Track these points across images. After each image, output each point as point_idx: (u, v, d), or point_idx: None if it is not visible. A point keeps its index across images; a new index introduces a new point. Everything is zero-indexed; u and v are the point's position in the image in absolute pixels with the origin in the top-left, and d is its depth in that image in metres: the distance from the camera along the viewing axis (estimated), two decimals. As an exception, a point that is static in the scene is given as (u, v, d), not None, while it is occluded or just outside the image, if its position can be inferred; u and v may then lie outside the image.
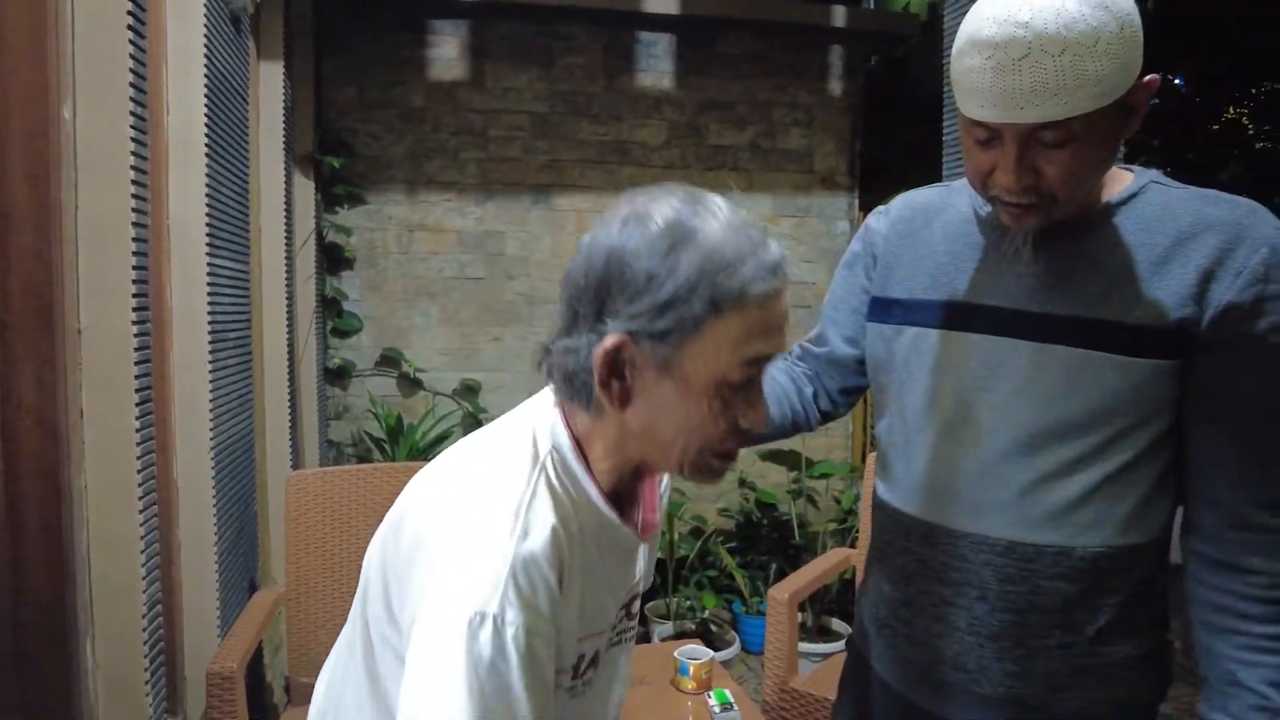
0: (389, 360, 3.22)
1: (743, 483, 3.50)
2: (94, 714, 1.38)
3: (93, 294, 1.37)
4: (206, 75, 1.75)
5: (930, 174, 2.72)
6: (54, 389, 1.28)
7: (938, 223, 1.04)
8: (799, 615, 3.12)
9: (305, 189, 2.88)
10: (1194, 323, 0.85)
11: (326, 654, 2.08)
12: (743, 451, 3.06)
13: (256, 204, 2.40)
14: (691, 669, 1.80)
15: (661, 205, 0.69)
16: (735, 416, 0.71)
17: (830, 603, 3.23)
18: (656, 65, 3.39)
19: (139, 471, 1.42)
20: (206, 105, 1.75)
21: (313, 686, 1.94)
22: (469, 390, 3.26)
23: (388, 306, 3.23)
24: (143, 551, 1.43)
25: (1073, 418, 0.89)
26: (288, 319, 2.57)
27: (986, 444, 0.94)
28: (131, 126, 1.39)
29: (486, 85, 3.23)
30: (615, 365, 0.69)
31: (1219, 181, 3.79)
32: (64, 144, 1.29)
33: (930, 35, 3.28)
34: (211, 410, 1.80)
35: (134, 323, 1.41)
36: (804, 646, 2.85)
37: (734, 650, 3.02)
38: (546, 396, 0.78)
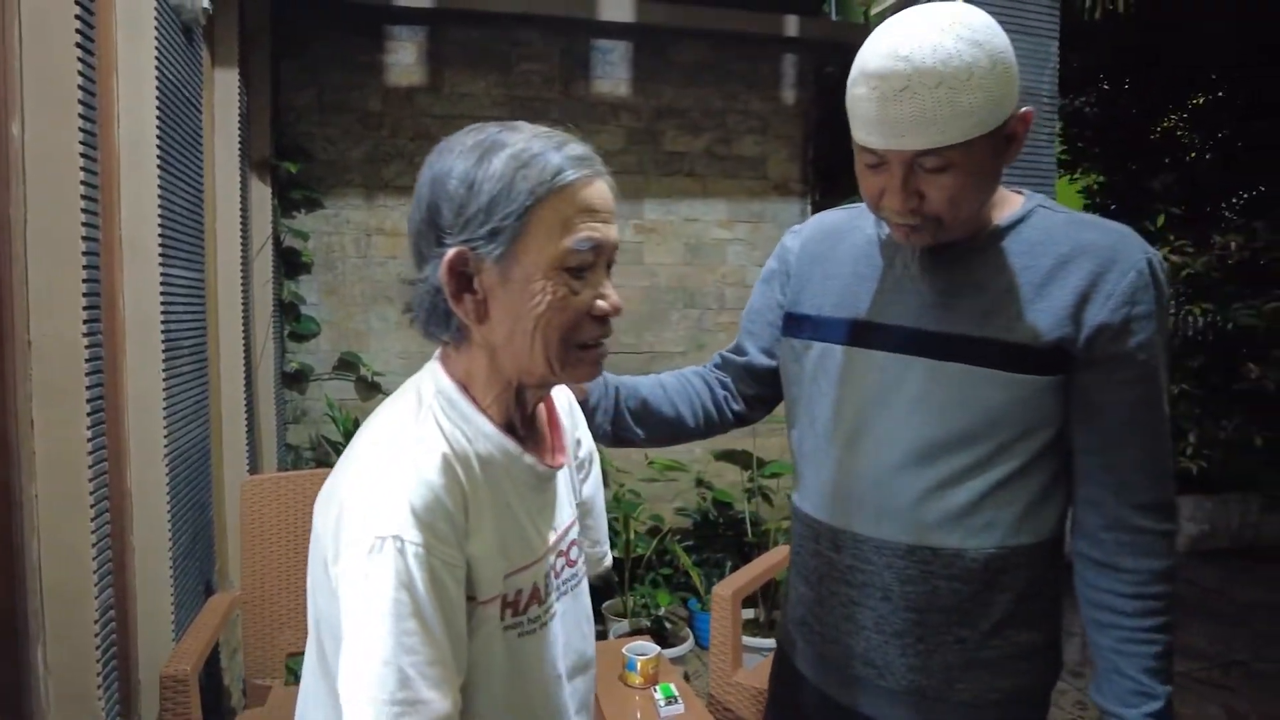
0: (347, 364, 3.24)
1: (700, 482, 3.57)
2: (45, 719, 1.41)
3: (43, 305, 1.39)
4: (158, 86, 1.77)
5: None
6: (3, 399, 1.31)
7: (844, 244, 1.11)
8: (751, 611, 3.20)
9: (262, 194, 2.89)
10: (1071, 341, 0.93)
11: (283, 656, 2.11)
12: (699, 451, 3.13)
13: (212, 210, 2.41)
14: (639, 664, 1.87)
15: (472, 133, 0.75)
16: (585, 303, 0.75)
17: (780, 597, 3.31)
18: (613, 72, 3.45)
19: (90, 480, 1.44)
20: (158, 115, 1.77)
21: (269, 689, 1.97)
22: (428, 393, 3.29)
23: (345, 310, 3.25)
24: (95, 559, 1.45)
25: (964, 429, 0.96)
26: (244, 324, 2.58)
27: (886, 454, 1.00)
28: (81, 141, 1.41)
29: (444, 91, 3.26)
30: (461, 278, 0.73)
31: (1152, 190, 3.96)
32: (11, 159, 1.32)
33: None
34: (165, 418, 1.82)
35: (85, 334, 1.43)
36: (754, 641, 2.93)
37: (688, 646, 3.10)
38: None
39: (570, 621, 0.88)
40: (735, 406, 1.26)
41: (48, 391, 1.40)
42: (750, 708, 1.94)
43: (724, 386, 1.26)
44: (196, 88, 2.16)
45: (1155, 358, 0.93)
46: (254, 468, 2.72)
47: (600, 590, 3.23)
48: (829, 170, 3.79)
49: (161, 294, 1.80)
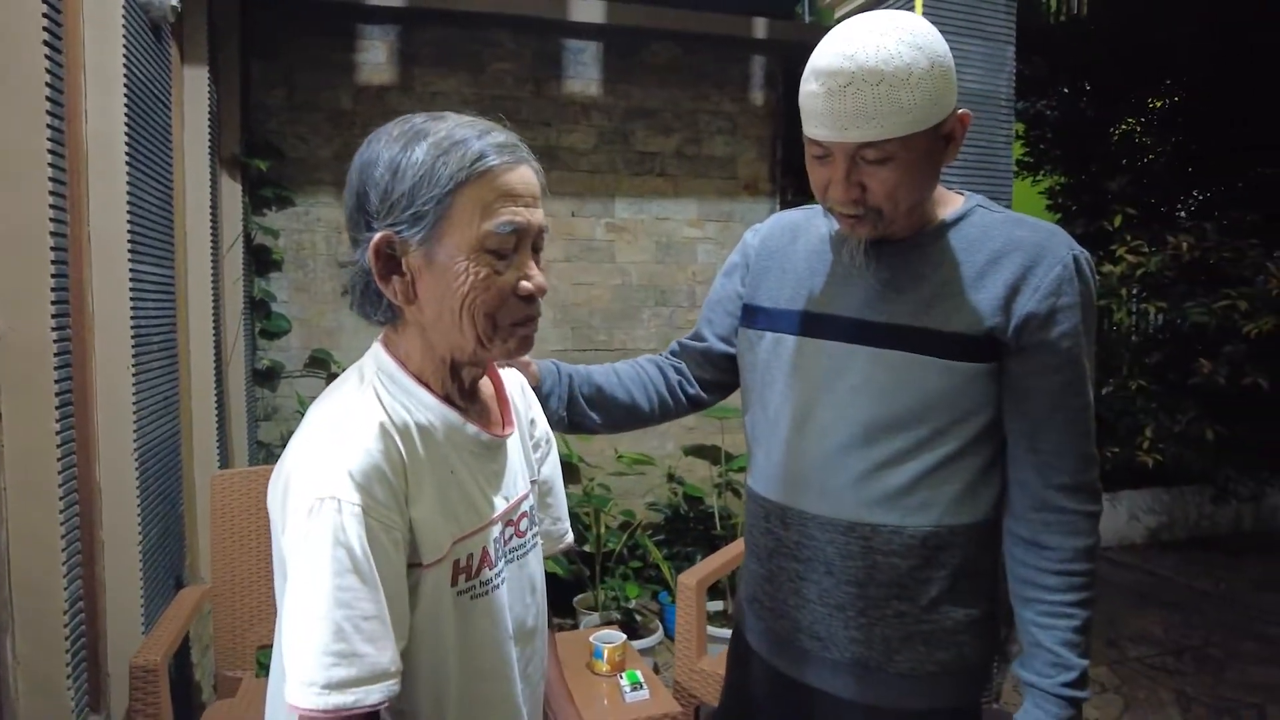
0: (318, 361, 3.25)
1: (671, 477, 3.62)
2: (14, 710, 1.43)
3: (11, 302, 1.41)
4: (126, 83, 1.78)
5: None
6: (-28, 394, 1.33)
7: (800, 241, 1.18)
8: (720, 603, 3.26)
9: (232, 191, 2.89)
10: (1002, 330, 0.99)
11: (253, 649, 2.14)
12: (669, 446, 3.17)
13: (181, 207, 2.42)
14: (605, 652, 1.91)
15: (399, 122, 0.78)
16: (509, 284, 0.78)
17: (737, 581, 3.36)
18: (584, 72, 3.49)
19: (60, 473, 1.46)
20: (127, 113, 1.79)
21: (239, 681, 1.99)
22: (399, 390, 3.30)
23: (316, 308, 3.26)
24: (64, 550, 1.47)
25: (902, 413, 1.02)
26: (214, 321, 2.59)
27: (830, 436, 1.06)
28: (49, 139, 1.43)
29: (415, 90, 3.28)
30: (388, 260, 0.77)
31: (1111, 191, 4.07)
32: (-19, 157, 1.34)
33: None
34: (135, 413, 1.84)
35: (53, 329, 1.45)
36: (720, 631, 2.97)
37: (658, 638, 3.15)
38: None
39: (514, 589, 0.91)
40: (690, 390, 1.31)
41: (16, 386, 1.42)
42: (714, 693, 1.99)
43: (679, 372, 1.32)
44: (165, 85, 2.17)
45: (1078, 347, 0.99)
46: (225, 464, 2.73)
47: (571, 584, 3.27)
48: (797, 170, 3.86)
49: (131, 291, 1.81)
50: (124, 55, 1.78)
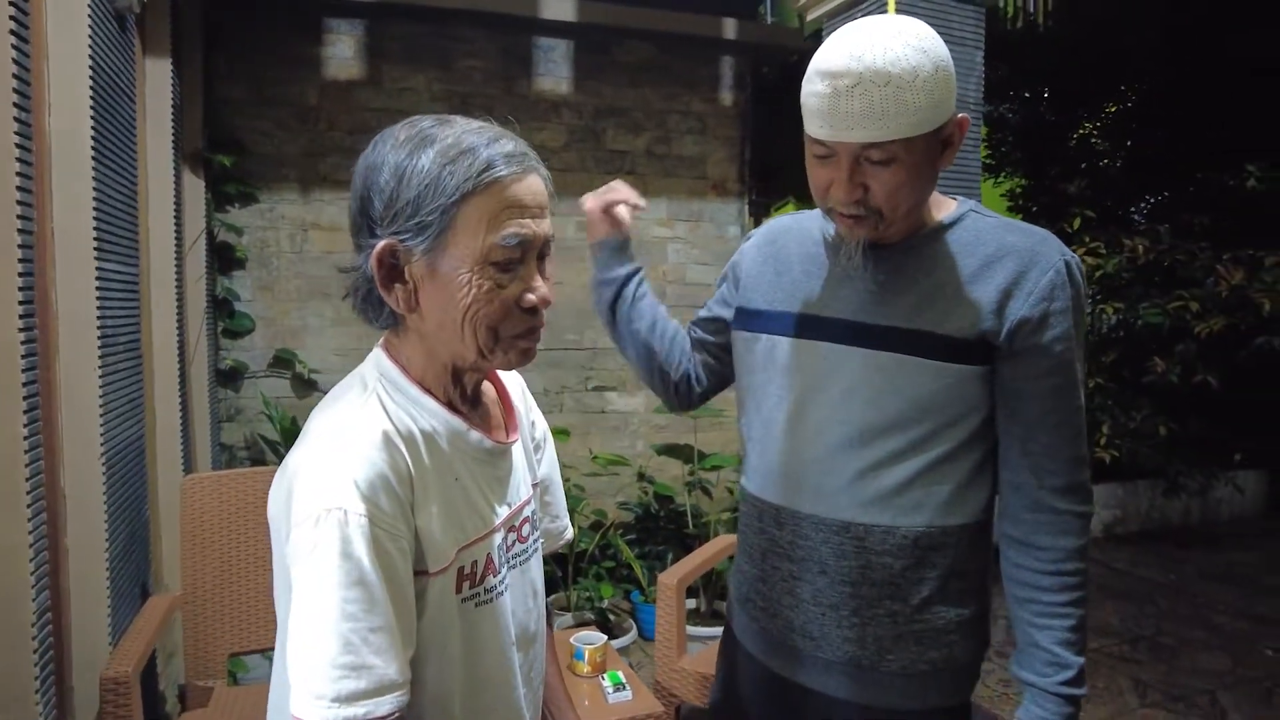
0: (282, 361, 3.18)
1: (641, 476, 3.62)
2: (-19, 725, 1.37)
3: (-24, 301, 1.36)
4: (92, 76, 1.72)
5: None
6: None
7: (794, 245, 1.19)
8: (693, 601, 3.27)
9: (195, 188, 2.82)
10: (995, 334, 1.01)
11: (223, 658, 2.08)
12: (640, 446, 3.16)
13: (145, 204, 2.35)
14: (586, 653, 1.91)
15: (406, 125, 0.77)
16: (512, 296, 0.77)
17: (721, 588, 3.39)
18: (555, 70, 3.47)
19: (28, 480, 1.41)
20: (92, 107, 1.73)
21: (210, 691, 1.94)
22: (366, 390, 3.25)
23: (281, 307, 3.19)
24: (32, 560, 1.42)
25: (896, 415, 1.03)
26: (178, 321, 2.52)
27: (824, 437, 1.07)
28: (16, 133, 1.38)
29: (384, 85, 3.23)
30: (390, 269, 0.75)
31: (1069, 194, 4.18)
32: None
33: (816, 46, 3.48)
34: (102, 416, 1.78)
35: (21, 329, 1.40)
36: (696, 630, 2.99)
37: (631, 637, 3.15)
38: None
39: (517, 595, 0.91)
40: (697, 387, 1.32)
41: (-19, 389, 1.36)
42: (694, 692, 2.00)
43: (693, 361, 1.33)
44: (130, 77, 2.11)
45: (1071, 350, 1.02)
46: (189, 467, 2.66)
47: (545, 584, 3.25)
48: (765, 171, 3.89)
49: (98, 289, 1.75)
50: (89, 45, 1.72)
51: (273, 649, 1.95)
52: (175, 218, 2.51)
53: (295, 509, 0.71)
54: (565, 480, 3.50)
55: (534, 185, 0.77)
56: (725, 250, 3.72)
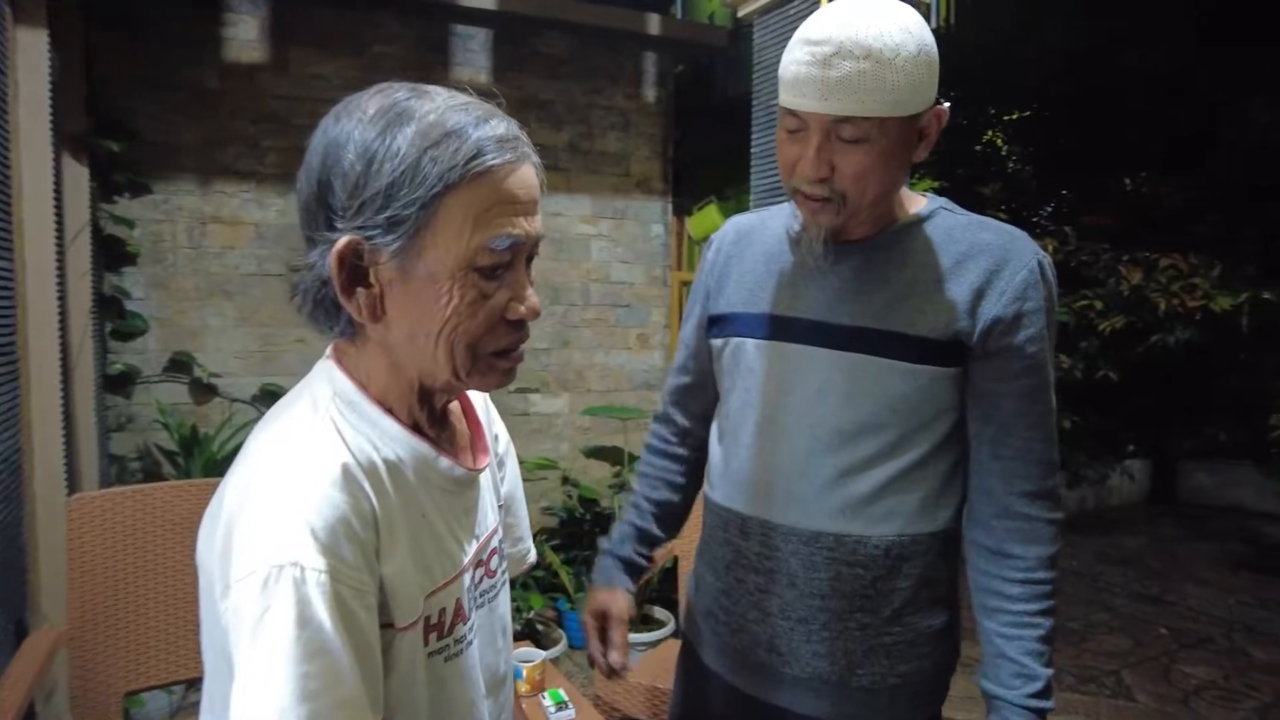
0: (179, 365, 2.95)
1: (565, 480, 3.53)
2: None
3: None
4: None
5: (739, 177, 2.88)
6: None
7: (757, 243, 1.13)
8: (624, 607, 3.20)
9: (78, 175, 2.56)
10: (967, 334, 0.98)
11: (115, 696, 1.89)
12: (565, 448, 3.08)
13: (19, 190, 2.11)
14: (525, 672, 1.82)
15: (376, 95, 0.65)
16: (499, 307, 0.67)
17: (652, 592, 3.34)
18: (473, 60, 3.34)
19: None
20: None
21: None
22: (270, 396, 3.04)
23: (177, 306, 2.95)
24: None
25: (866, 419, 0.99)
26: (60, 321, 2.28)
27: (793, 443, 1.03)
28: None
29: (290, 71, 3.03)
30: (353, 270, 0.64)
31: (984, 196, 4.31)
32: None
33: (737, 45, 3.48)
34: (-31, 431, 1.57)
35: None
36: (631, 636, 2.93)
37: (562, 648, 3.06)
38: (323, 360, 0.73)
39: (485, 636, 0.82)
40: (693, 446, 1.27)
41: None
42: (640, 705, 1.94)
43: (680, 437, 1.28)
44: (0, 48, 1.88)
45: (1044, 351, 1.00)
46: (73, 484, 2.41)
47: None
48: (688, 171, 3.86)
49: (-37, 288, 1.55)
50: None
51: (175, 683, 1.78)
52: (56, 207, 2.27)
53: (237, 562, 0.59)
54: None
55: (527, 177, 0.67)
56: (649, 249, 3.67)
